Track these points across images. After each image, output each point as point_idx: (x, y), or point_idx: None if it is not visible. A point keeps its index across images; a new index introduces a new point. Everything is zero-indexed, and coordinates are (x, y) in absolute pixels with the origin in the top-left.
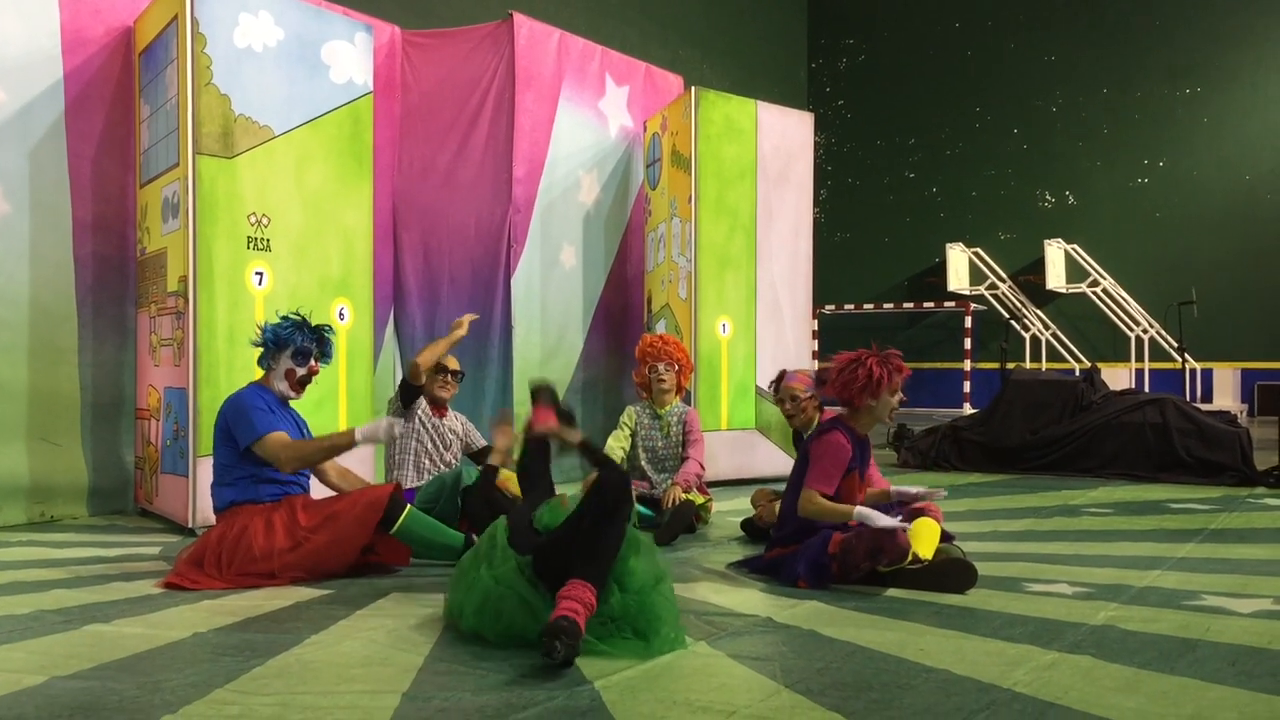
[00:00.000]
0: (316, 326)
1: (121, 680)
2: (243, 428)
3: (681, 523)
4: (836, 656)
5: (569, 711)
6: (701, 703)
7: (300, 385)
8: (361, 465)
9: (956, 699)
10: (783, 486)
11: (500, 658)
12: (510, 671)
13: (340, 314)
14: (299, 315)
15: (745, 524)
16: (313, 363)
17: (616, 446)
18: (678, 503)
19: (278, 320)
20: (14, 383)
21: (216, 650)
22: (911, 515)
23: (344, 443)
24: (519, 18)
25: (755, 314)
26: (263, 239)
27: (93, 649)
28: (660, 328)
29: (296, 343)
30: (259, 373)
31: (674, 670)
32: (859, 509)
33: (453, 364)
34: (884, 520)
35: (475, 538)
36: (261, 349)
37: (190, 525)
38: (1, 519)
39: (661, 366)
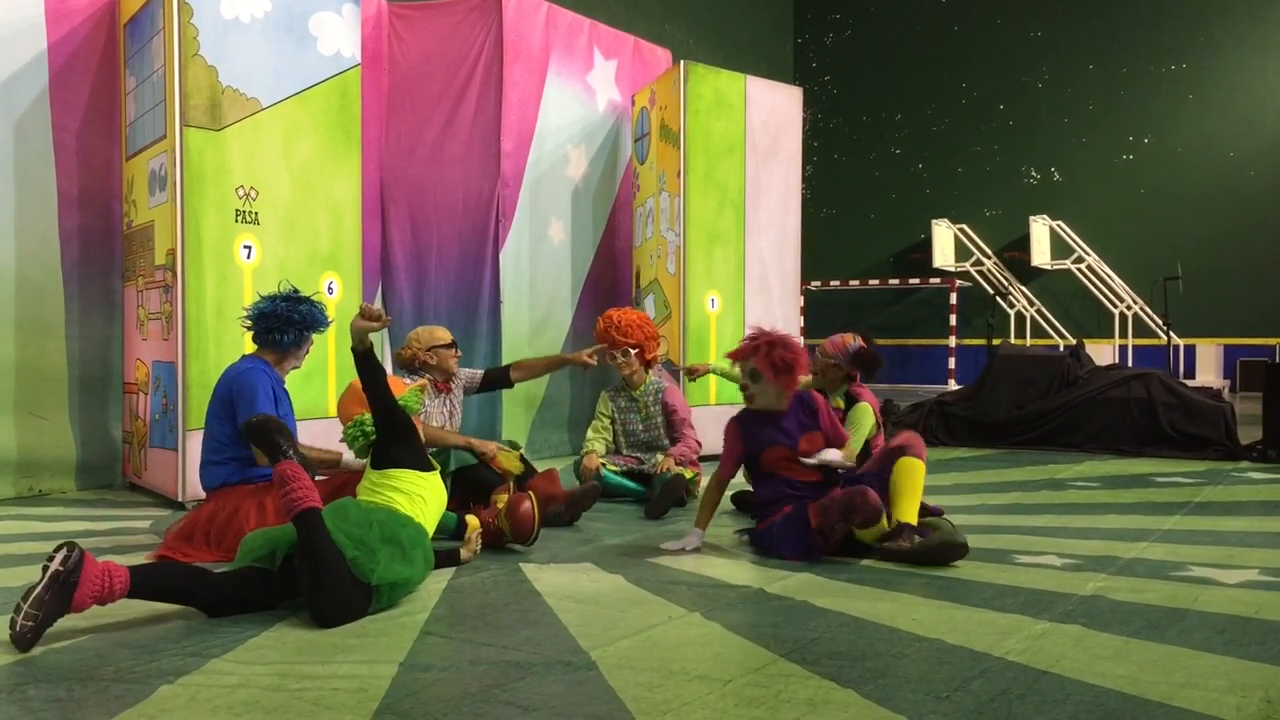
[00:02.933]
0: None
1: (118, 651)
2: (247, 405)
3: (671, 497)
4: (829, 627)
5: (566, 680)
6: (698, 672)
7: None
8: None
9: (950, 668)
10: None
11: (496, 628)
12: (507, 640)
13: (329, 288)
14: (295, 290)
15: (735, 497)
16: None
17: (597, 439)
18: (669, 473)
19: (285, 300)
20: (0, 357)
21: (211, 621)
22: (888, 460)
23: (330, 459)
24: None
25: (744, 289)
26: (251, 212)
27: (88, 620)
28: (649, 302)
29: (327, 324)
30: (250, 346)
31: (669, 640)
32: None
33: (446, 336)
34: (829, 456)
35: (468, 519)
36: (281, 329)
37: (180, 499)
38: None
39: (619, 355)
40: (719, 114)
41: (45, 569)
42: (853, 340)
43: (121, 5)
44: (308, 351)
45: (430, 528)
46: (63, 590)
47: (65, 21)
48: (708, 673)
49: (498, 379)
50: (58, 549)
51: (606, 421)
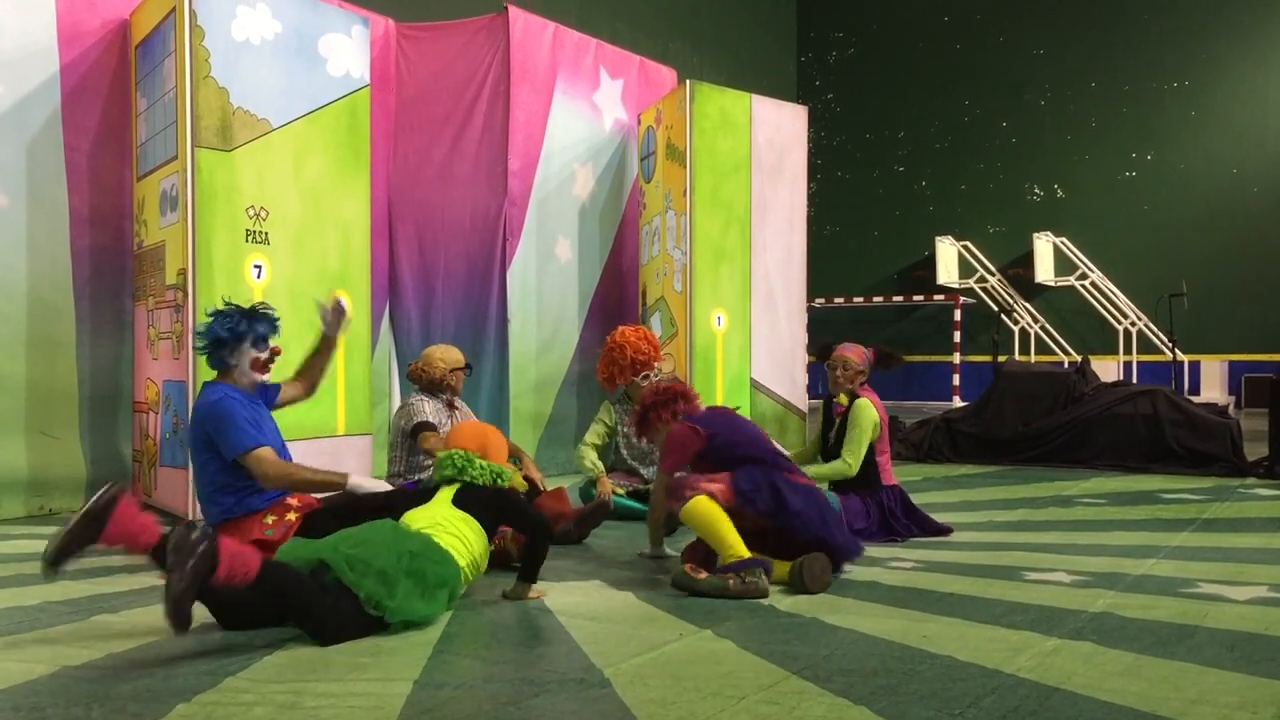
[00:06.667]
0: (255, 308)
1: (134, 670)
2: (229, 439)
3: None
4: (841, 644)
5: (580, 697)
6: (710, 689)
7: (267, 368)
8: (363, 467)
9: (962, 684)
10: None
11: (509, 646)
12: (520, 658)
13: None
14: (232, 304)
15: None
16: (272, 344)
17: (590, 449)
18: None
19: (211, 317)
20: (12, 376)
21: (227, 640)
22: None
23: (336, 482)
24: (514, 10)
25: (750, 307)
26: (261, 232)
27: (103, 639)
28: (655, 320)
29: (257, 330)
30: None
31: (682, 657)
32: None
33: (462, 358)
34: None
35: None
36: (211, 350)
37: (190, 518)
38: (1, 512)
39: (641, 380)
40: (725, 133)
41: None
42: (861, 346)
43: (133, 27)
44: (267, 361)
45: (466, 577)
46: (93, 523)
47: (77, 44)
48: (721, 690)
49: None
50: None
51: (603, 430)
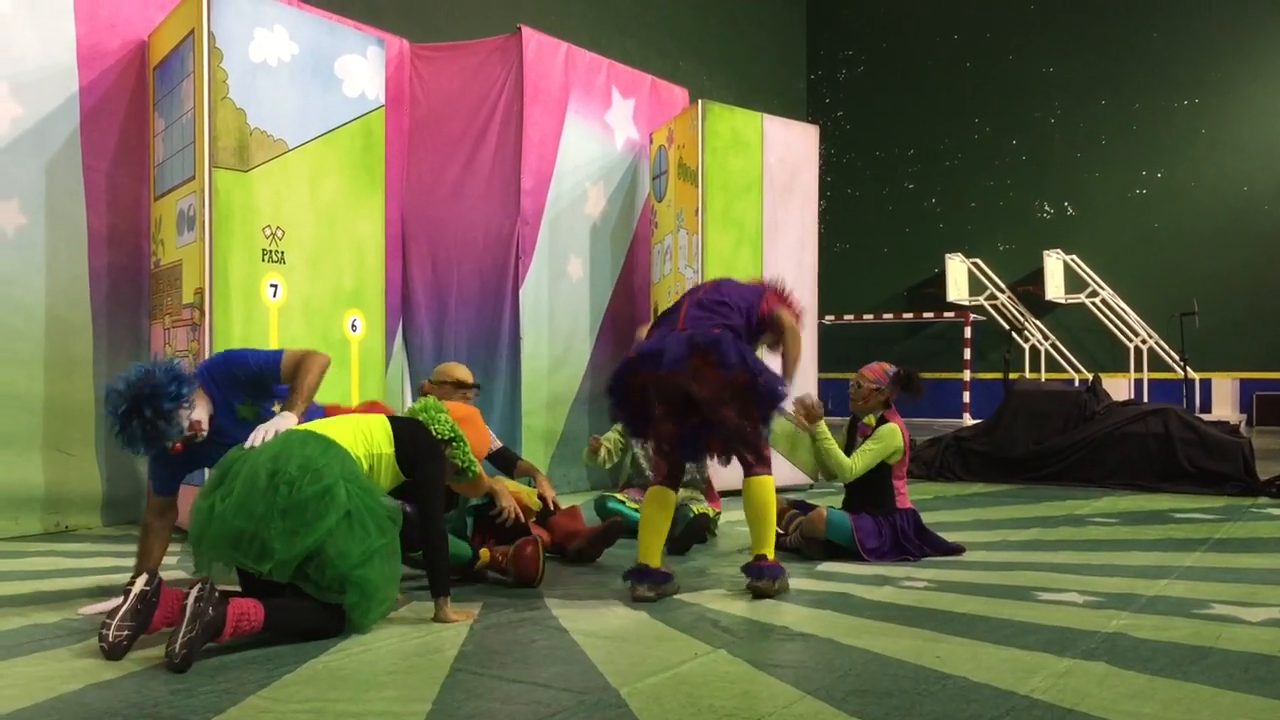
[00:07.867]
0: (151, 394)
1: (154, 687)
2: (259, 363)
3: (694, 535)
4: (855, 664)
5: (596, 717)
6: (726, 709)
7: (186, 444)
8: None
9: (975, 705)
10: (792, 495)
11: (525, 665)
12: (537, 677)
13: (353, 325)
14: (145, 374)
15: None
16: (173, 445)
17: (615, 435)
18: (692, 512)
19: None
20: (30, 393)
21: (246, 658)
22: None
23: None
24: (527, 31)
25: None
26: (277, 251)
27: (125, 657)
28: None
29: (127, 433)
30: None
31: (697, 677)
32: None
33: (468, 376)
34: None
35: (481, 551)
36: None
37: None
38: (18, 529)
39: None
40: (736, 152)
41: (128, 591)
42: (889, 366)
43: (151, 49)
44: (186, 434)
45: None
46: (146, 609)
47: (96, 65)
48: (736, 710)
49: (502, 462)
50: (137, 575)
51: (617, 435)
